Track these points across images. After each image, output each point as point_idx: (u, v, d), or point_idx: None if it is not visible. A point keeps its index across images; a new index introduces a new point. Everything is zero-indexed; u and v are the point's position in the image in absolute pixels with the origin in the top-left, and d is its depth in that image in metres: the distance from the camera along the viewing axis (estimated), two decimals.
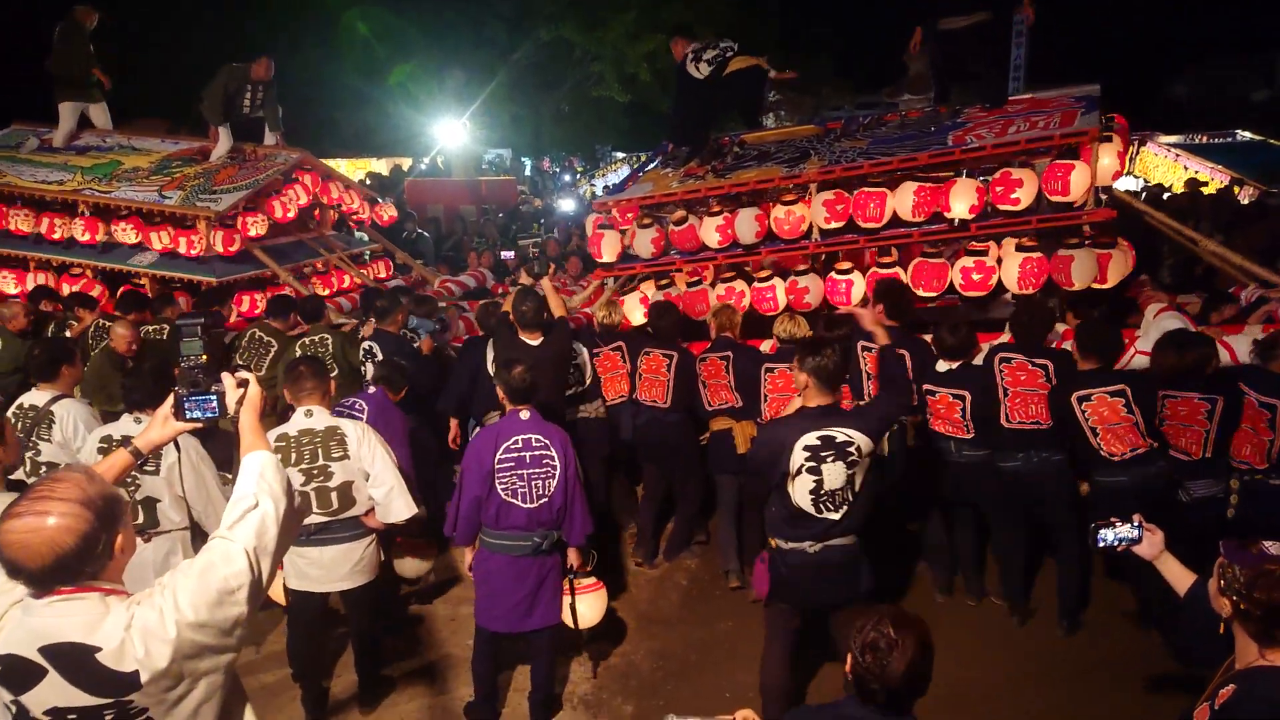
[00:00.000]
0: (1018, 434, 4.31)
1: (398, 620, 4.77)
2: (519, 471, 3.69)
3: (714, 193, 5.96)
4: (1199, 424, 4.03)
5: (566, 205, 16.22)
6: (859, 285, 5.42)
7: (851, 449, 3.36)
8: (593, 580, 4.03)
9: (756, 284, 5.69)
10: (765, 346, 5.16)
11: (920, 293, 5.21)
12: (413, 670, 4.40)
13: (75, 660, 1.72)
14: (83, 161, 8.05)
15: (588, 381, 5.24)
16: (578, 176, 21.29)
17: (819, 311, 5.47)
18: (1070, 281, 4.84)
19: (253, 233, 7.40)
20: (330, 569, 3.79)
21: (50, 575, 1.72)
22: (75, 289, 7.23)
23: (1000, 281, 5.10)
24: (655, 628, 4.79)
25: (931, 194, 5.25)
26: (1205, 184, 13.21)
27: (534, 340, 4.67)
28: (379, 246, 9.12)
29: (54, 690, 1.72)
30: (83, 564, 1.74)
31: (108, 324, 5.99)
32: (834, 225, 5.53)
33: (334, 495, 3.71)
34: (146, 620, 1.76)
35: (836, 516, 3.41)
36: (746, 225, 5.69)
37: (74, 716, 1.73)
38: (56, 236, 7.51)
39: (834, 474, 3.37)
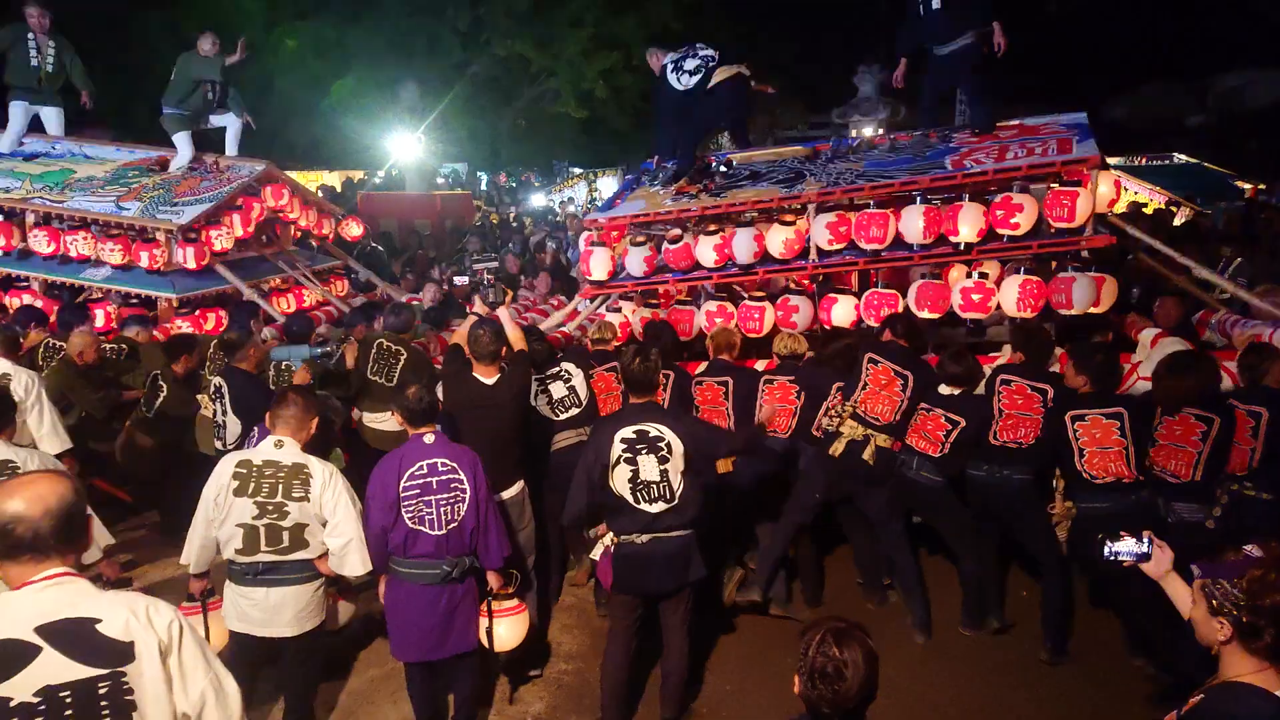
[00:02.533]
0: (995, 450, 4.33)
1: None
2: (425, 498, 3.52)
3: (711, 212, 5.92)
4: (1192, 445, 3.95)
5: (531, 211, 16.07)
6: (847, 305, 5.45)
7: (663, 444, 3.61)
8: (514, 603, 3.89)
9: (746, 303, 5.65)
10: (759, 366, 5.18)
11: (922, 314, 5.23)
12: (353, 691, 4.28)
13: (76, 633, 1.80)
14: (31, 169, 7.67)
15: (584, 402, 4.87)
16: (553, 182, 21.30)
17: (812, 333, 5.47)
18: (1070, 305, 4.87)
19: (218, 246, 7.12)
20: (275, 612, 3.51)
21: (49, 533, 1.81)
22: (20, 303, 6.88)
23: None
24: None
25: (938, 217, 5.26)
26: (1145, 205, 13.67)
27: (489, 378, 4.21)
28: (339, 264, 8.95)
29: (47, 668, 1.76)
30: (70, 531, 1.84)
31: (59, 343, 5.77)
32: (835, 246, 5.51)
33: (285, 534, 3.46)
34: (139, 599, 1.90)
35: (654, 510, 3.64)
36: (744, 245, 5.63)
37: (67, 694, 1.76)
38: (0, 246, 7.12)
39: (648, 466, 3.61)
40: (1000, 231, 5.12)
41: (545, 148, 19.77)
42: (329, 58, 14.20)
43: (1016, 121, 5.97)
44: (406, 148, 16.25)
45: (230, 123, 7.90)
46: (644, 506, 3.64)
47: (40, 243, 7.15)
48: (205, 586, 3.70)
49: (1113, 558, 2.51)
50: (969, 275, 5.23)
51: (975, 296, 5.12)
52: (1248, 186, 15.33)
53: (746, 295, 5.72)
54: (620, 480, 3.64)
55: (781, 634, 4.62)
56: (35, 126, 8.11)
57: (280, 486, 3.43)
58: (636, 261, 5.99)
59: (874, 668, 2.01)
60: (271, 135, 16.58)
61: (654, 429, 3.64)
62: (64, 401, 5.30)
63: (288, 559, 3.48)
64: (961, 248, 5.21)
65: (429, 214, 15.31)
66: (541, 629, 4.59)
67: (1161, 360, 4.17)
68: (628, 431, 3.65)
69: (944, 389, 4.46)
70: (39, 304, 6.91)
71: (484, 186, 22.30)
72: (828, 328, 5.47)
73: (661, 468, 3.62)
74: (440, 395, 4.31)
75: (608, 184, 23.11)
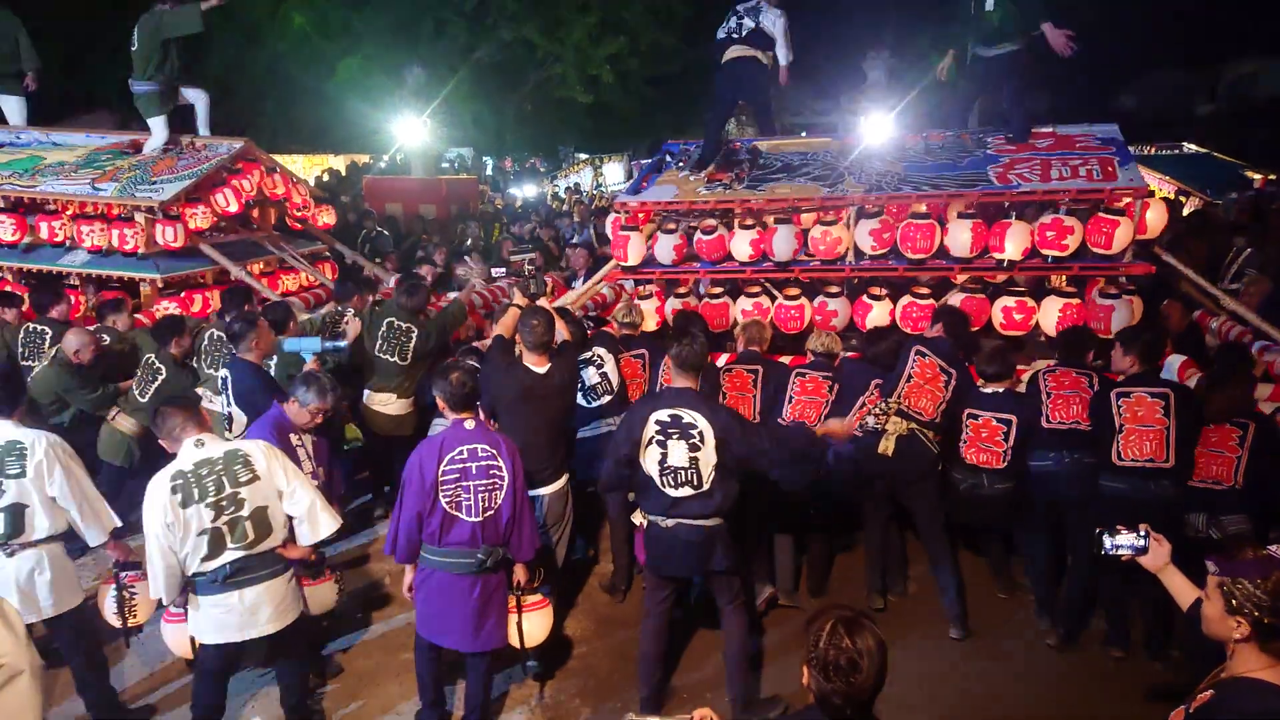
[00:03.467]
0: (1054, 434, 4.36)
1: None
2: (464, 483, 3.52)
3: (750, 206, 5.80)
4: (1230, 450, 4.02)
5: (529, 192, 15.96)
6: (882, 310, 5.40)
7: (695, 432, 3.57)
8: (539, 597, 3.90)
9: (783, 302, 5.59)
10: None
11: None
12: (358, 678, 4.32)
13: None
14: None
15: (615, 389, 4.88)
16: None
17: (845, 335, 5.41)
18: (1109, 330, 4.93)
19: (193, 225, 6.97)
20: (253, 613, 3.41)
21: None
22: None
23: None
24: (613, 628, 4.78)
25: (985, 232, 5.23)
26: (1153, 194, 13.59)
27: (540, 367, 4.22)
28: (324, 247, 8.87)
29: None
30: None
31: (41, 328, 5.75)
32: (878, 251, 5.46)
33: (249, 525, 3.36)
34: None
35: (678, 494, 3.63)
36: (784, 242, 5.57)
37: None
38: None
39: (677, 451, 3.60)
40: (1046, 252, 5.10)
41: (551, 133, 19.65)
42: (335, 39, 14.12)
43: (1050, 130, 5.91)
44: (412, 132, 16.18)
45: (199, 99, 7.61)
46: (669, 490, 3.64)
47: (7, 230, 6.96)
48: (128, 554, 3.78)
49: (1111, 551, 2.51)
50: (1008, 294, 5.19)
51: (1017, 315, 5.13)
52: (1257, 177, 15.23)
53: (781, 295, 5.64)
54: (650, 461, 3.65)
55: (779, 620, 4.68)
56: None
57: (225, 479, 3.33)
58: (666, 249, 5.89)
59: (885, 656, 2.00)
60: (278, 119, 16.58)
61: (688, 415, 3.60)
62: (58, 402, 5.30)
63: (255, 552, 3.38)
64: (1005, 264, 5.19)
65: (434, 199, 15.26)
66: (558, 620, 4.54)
67: (1202, 380, 4.33)
68: (662, 414, 3.63)
69: (986, 388, 4.46)
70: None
71: (489, 172, 22.23)
72: (862, 331, 5.40)
73: (691, 455, 3.59)
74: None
75: (613, 170, 23.06)
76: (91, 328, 5.80)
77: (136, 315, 6.44)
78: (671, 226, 5.96)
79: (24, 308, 6.18)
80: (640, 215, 6.11)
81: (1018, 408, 4.40)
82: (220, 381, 4.76)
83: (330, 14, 13.98)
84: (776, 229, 5.58)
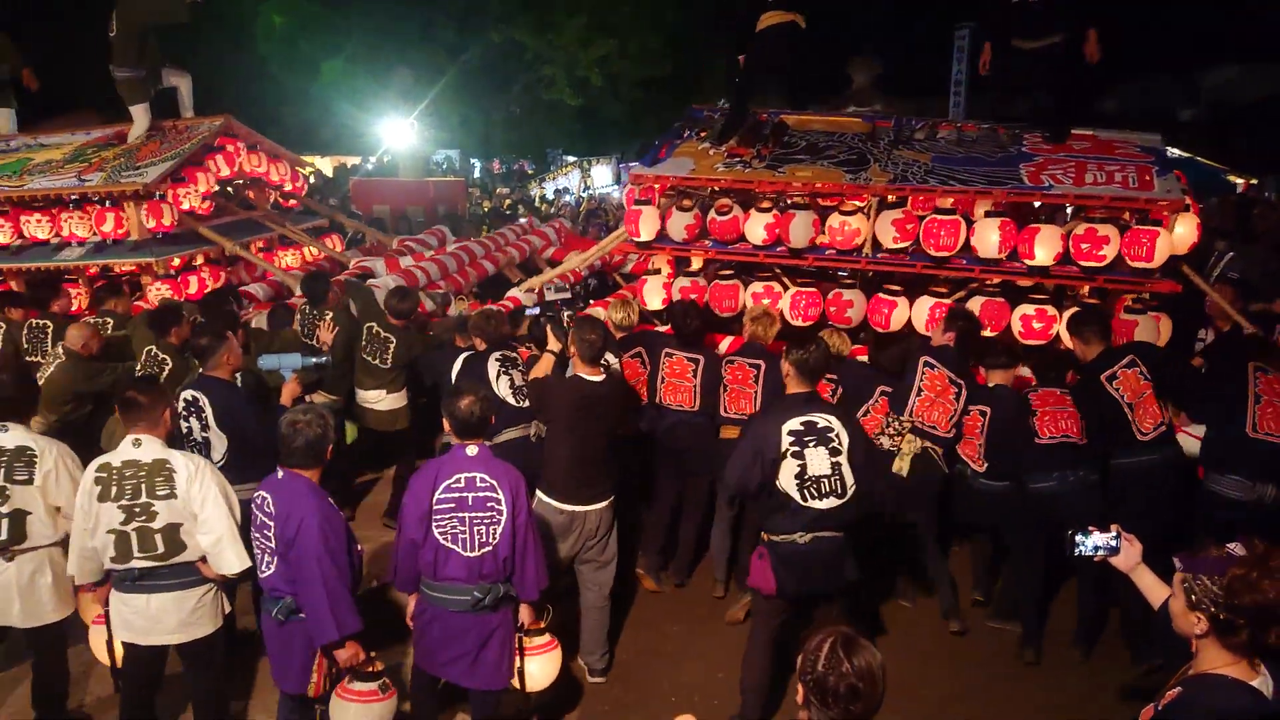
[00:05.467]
0: (1048, 450, 4.29)
1: None
2: (459, 514, 3.27)
3: (770, 187, 5.52)
4: None
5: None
6: (903, 310, 5.21)
7: (833, 435, 3.42)
8: (546, 639, 3.63)
9: (798, 289, 5.36)
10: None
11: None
12: None
13: None
14: None
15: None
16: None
17: (856, 331, 5.30)
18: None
19: (185, 206, 7.01)
20: (157, 620, 3.32)
21: None
22: None
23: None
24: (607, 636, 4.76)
25: (1013, 234, 5.00)
26: (1188, 208, 13.68)
27: (596, 377, 4.06)
28: (324, 221, 8.88)
29: None
30: None
31: (43, 323, 5.73)
32: (898, 245, 5.21)
33: (158, 538, 3.27)
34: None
35: (823, 506, 3.46)
36: (802, 229, 5.31)
37: None
38: None
39: (818, 459, 3.42)
40: (1081, 263, 4.85)
41: (539, 135, 19.64)
42: (318, 39, 14.06)
43: (1089, 132, 5.72)
44: (399, 134, 16.14)
45: (182, 81, 7.60)
46: (811, 503, 3.48)
47: (5, 233, 6.96)
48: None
49: (1082, 551, 2.53)
50: (1028, 301, 5.04)
51: (1036, 324, 4.93)
52: (1239, 181, 15.40)
53: (794, 283, 5.45)
54: (787, 476, 3.47)
55: None
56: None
57: (143, 486, 3.26)
58: (678, 226, 5.65)
59: (883, 677, 1.97)
60: (265, 120, 16.46)
61: (822, 419, 3.47)
62: (74, 402, 5.19)
63: (166, 565, 3.31)
64: (1031, 270, 4.95)
65: (421, 201, 15.19)
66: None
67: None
68: (794, 423, 3.46)
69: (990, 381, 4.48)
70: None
71: (477, 174, 22.19)
72: (877, 329, 5.23)
73: (834, 460, 3.46)
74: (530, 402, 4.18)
75: (601, 172, 23.05)
76: (91, 319, 5.79)
77: (135, 302, 6.44)
78: (688, 204, 5.69)
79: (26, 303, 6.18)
80: (655, 189, 5.81)
81: (994, 403, 4.39)
82: (185, 404, 4.16)
83: (312, 15, 13.91)
84: (795, 215, 5.33)
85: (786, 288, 5.45)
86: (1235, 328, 5.13)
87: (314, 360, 4.57)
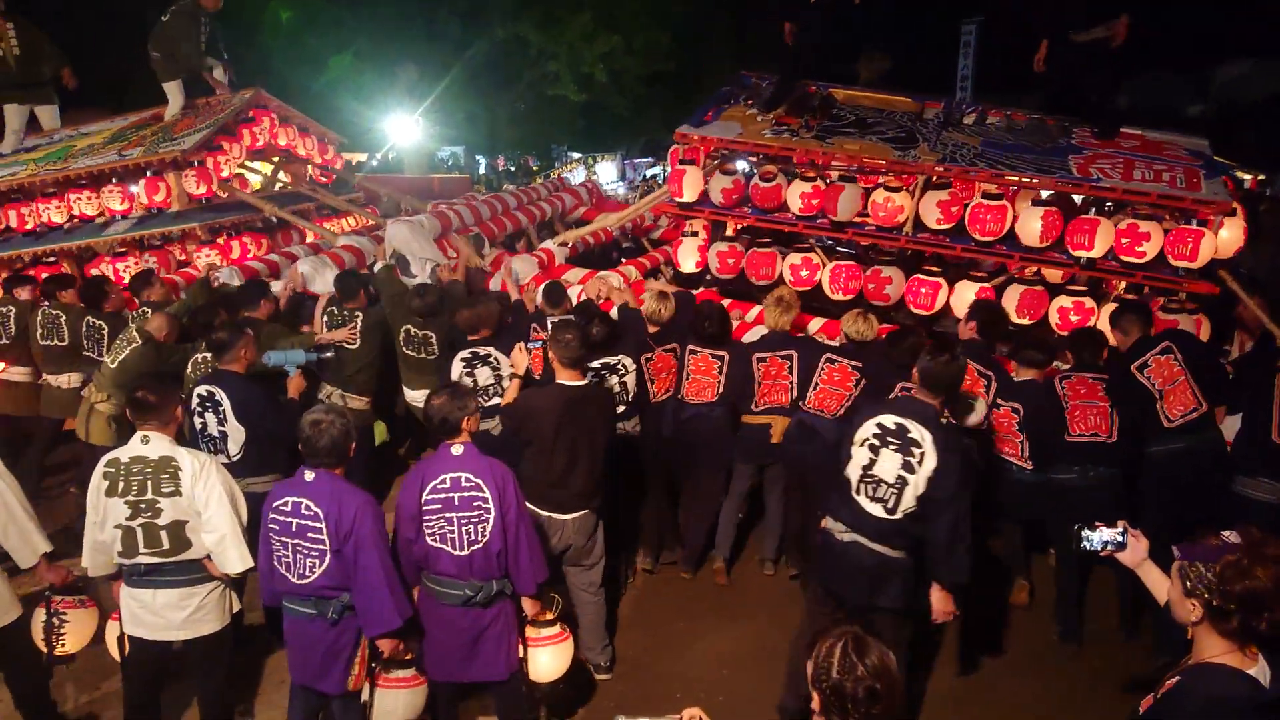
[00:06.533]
0: (1075, 447, 4.31)
1: None
2: (446, 515, 3.25)
3: (820, 158, 5.45)
4: None
5: None
6: (944, 293, 5.17)
7: (916, 450, 3.24)
8: (556, 630, 3.61)
9: (837, 262, 5.27)
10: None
11: (1017, 319, 5.06)
12: None
13: None
14: (33, 155, 7.76)
15: (631, 400, 4.67)
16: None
17: (889, 310, 5.22)
18: None
19: (225, 173, 7.27)
20: (164, 615, 3.36)
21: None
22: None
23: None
24: (606, 629, 4.76)
25: (1056, 224, 4.98)
26: (1234, 212, 13.58)
27: (576, 381, 3.95)
28: (360, 194, 9.02)
29: None
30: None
31: (99, 323, 5.71)
32: (942, 226, 5.17)
33: (164, 535, 3.30)
34: None
35: (868, 509, 3.35)
36: (849, 202, 5.26)
37: None
38: (29, 226, 7.26)
39: (888, 463, 3.30)
40: (1124, 258, 4.86)
41: (544, 131, 19.60)
42: (325, 35, 14.07)
43: (1138, 131, 5.73)
44: (404, 130, 16.13)
45: (218, 68, 7.95)
46: (859, 499, 3.36)
47: (59, 214, 7.24)
48: (65, 578, 3.66)
49: (1088, 546, 2.53)
50: (1066, 293, 4.99)
51: (1074, 316, 4.92)
52: (1247, 177, 15.29)
53: (836, 254, 5.37)
54: (854, 464, 3.38)
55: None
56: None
57: (149, 483, 3.28)
58: (716, 190, 5.61)
59: (897, 673, 1.95)
60: None
61: (917, 431, 3.26)
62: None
63: (171, 561, 3.33)
64: (1083, 262, 4.94)
65: (426, 197, 15.17)
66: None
67: None
68: (888, 420, 3.35)
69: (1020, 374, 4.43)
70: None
71: (482, 170, 22.18)
72: (916, 310, 5.18)
73: (900, 473, 3.28)
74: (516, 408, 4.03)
75: (606, 168, 23.02)
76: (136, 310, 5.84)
77: (184, 269, 6.69)
78: (731, 168, 5.63)
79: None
80: (701, 150, 5.75)
81: (1025, 399, 4.34)
82: (200, 399, 4.22)
83: (318, 10, 13.93)
84: (843, 187, 5.27)
85: (826, 261, 5.34)
86: (1265, 336, 5.09)
87: (316, 355, 4.71)
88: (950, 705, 4.11)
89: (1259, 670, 2.05)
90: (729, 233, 5.80)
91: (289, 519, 3.17)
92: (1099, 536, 2.52)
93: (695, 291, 5.64)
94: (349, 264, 6.47)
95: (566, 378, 3.93)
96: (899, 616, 3.46)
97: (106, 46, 12.84)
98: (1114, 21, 5.24)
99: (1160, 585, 2.47)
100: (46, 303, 5.91)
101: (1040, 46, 5.59)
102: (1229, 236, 5.01)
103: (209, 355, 4.66)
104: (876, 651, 1.91)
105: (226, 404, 4.16)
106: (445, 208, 7.31)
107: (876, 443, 3.33)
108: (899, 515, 3.31)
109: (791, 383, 4.73)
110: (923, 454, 3.25)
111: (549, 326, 4.58)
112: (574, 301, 5.31)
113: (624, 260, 6.06)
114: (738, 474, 5.03)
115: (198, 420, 4.22)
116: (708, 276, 6.10)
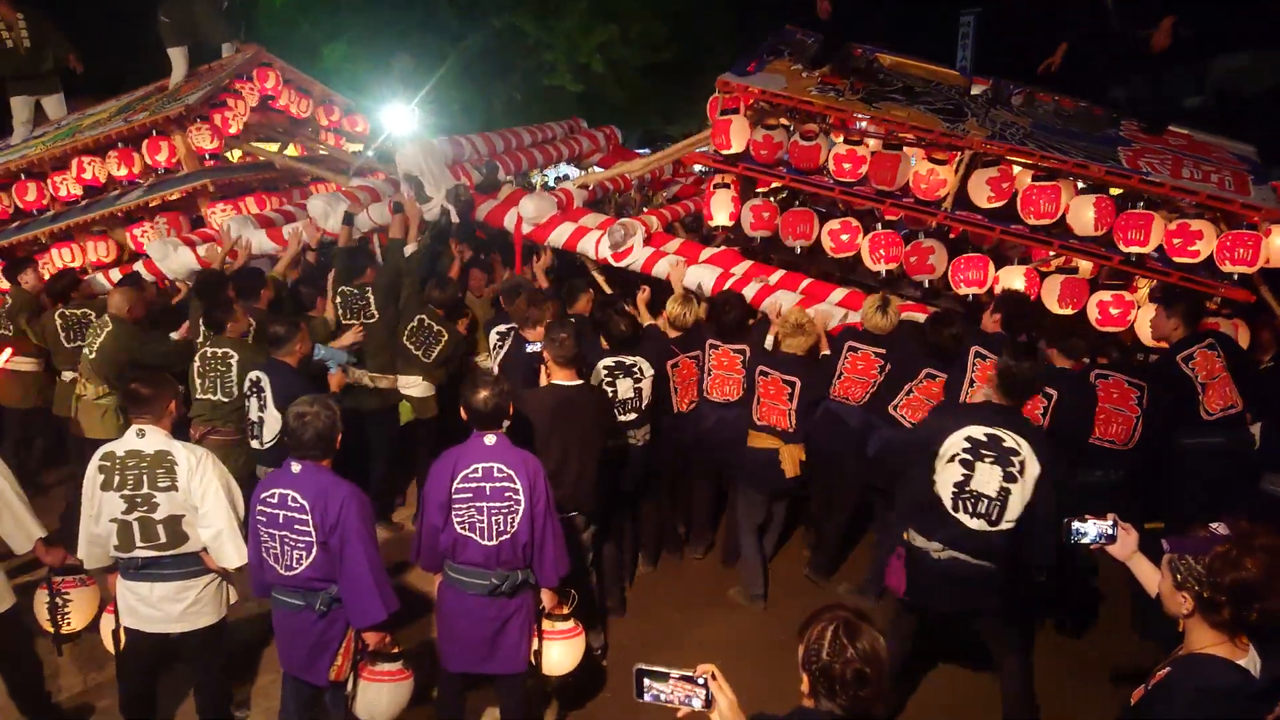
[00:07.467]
0: (1098, 451, 4.27)
1: None
2: (477, 504, 3.31)
3: (867, 122, 5.30)
4: None
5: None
6: (991, 273, 5.00)
7: (1016, 459, 3.16)
8: (570, 625, 3.63)
9: (879, 230, 5.10)
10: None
11: (1057, 309, 4.99)
12: None
13: None
14: (43, 139, 7.81)
15: (644, 408, 4.54)
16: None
17: (923, 285, 5.11)
18: None
19: (232, 129, 7.35)
20: (160, 608, 3.42)
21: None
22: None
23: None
24: (603, 620, 4.74)
25: (1109, 214, 4.84)
26: None
27: (571, 381, 3.93)
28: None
29: None
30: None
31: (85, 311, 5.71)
32: (991, 205, 5.00)
33: (160, 529, 3.31)
34: None
35: (971, 525, 3.23)
36: (894, 170, 5.09)
37: None
38: (44, 204, 7.42)
39: (986, 476, 3.20)
40: (1176, 259, 4.78)
41: (539, 121, 19.52)
42: (320, 22, 13.96)
43: (1186, 131, 5.64)
44: (400, 120, 16.03)
45: (226, 46, 8.09)
46: (959, 516, 3.25)
47: (72, 184, 7.31)
48: (63, 559, 3.66)
49: (1079, 539, 2.53)
50: (1104, 287, 4.91)
51: (1114, 310, 4.85)
52: None
53: (881, 221, 5.16)
54: (945, 479, 3.25)
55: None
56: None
57: (145, 477, 3.27)
58: (752, 144, 5.41)
59: (887, 657, 1.95)
60: None
61: (1011, 439, 3.22)
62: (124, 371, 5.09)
63: (168, 554, 3.33)
64: (1134, 259, 4.82)
65: None
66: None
67: None
68: (978, 431, 3.24)
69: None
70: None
71: None
72: (967, 289, 5.04)
73: (1004, 485, 3.20)
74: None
75: None
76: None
77: (200, 229, 6.94)
78: (773, 123, 5.41)
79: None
80: (742, 100, 5.55)
81: (1062, 386, 4.27)
82: (251, 384, 4.48)
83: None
84: (897, 155, 5.10)
85: (868, 229, 5.16)
86: None
87: (350, 359, 4.89)
88: (940, 693, 4.12)
89: (1249, 660, 2.07)
90: (761, 190, 5.66)
91: (276, 510, 3.14)
92: (1089, 530, 2.53)
93: (713, 251, 5.41)
94: (364, 202, 6.42)
95: (561, 378, 3.89)
96: (1002, 621, 3.41)
97: (109, 43, 12.77)
98: (1155, 26, 5.17)
99: (1151, 578, 2.49)
100: (62, 305, 5.87)
101: (1057, 50, 5.54)
102: (1276, 244, 4.92)
103: (218, 350, 4.68)
104: (868, 636, 1.91)
105: (269, 391, 4.34)
106: (461, 138, 7.28)
107: (969, 457, 3.21)
108: (1007, 526, 3.21)
109: (791, 410, 4.57)
110: (1023, 461, 3.18)
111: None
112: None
113: (646, 209, 5.96)
114: (751, 502, 4.78)
115: (247, 403, 4.51)
116: (729, 236, 5.88)
